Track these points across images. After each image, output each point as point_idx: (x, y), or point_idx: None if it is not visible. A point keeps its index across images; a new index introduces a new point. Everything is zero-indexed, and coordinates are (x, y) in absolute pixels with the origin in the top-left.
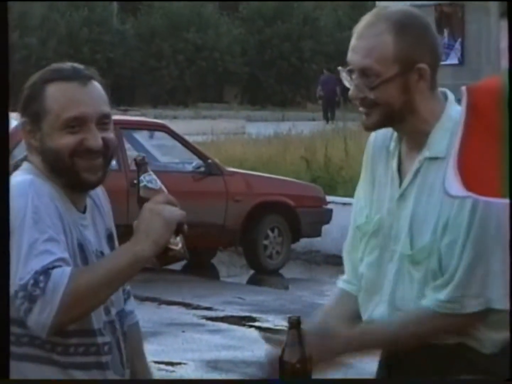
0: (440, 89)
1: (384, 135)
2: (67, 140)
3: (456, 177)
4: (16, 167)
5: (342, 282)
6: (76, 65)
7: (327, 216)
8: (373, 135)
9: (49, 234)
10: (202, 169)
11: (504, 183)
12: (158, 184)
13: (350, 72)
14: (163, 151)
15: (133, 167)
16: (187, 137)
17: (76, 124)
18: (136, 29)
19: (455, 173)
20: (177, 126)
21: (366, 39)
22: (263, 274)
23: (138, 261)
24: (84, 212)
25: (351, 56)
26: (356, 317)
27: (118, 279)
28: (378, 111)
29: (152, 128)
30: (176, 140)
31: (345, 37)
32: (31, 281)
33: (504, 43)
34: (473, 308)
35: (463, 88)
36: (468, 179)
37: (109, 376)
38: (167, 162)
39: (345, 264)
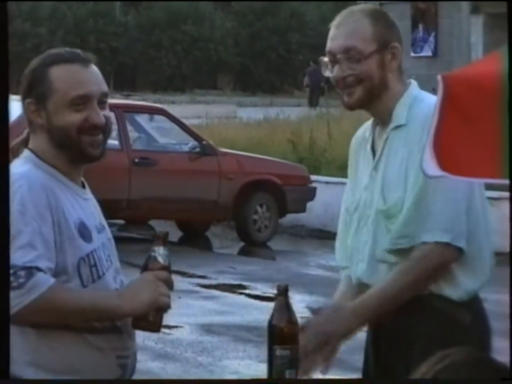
0: (409, 79)
1: (361, 132)
2: (73, 118)
3: (432, 159)
4: (12, 152)
5: (346, 270)
6: (72, 49)
7: (311, 194)
8: (354, 137)
9: (33, 227)
10: (197, 149)
11: (504, 167)
12: (167, 261)
13: (332, 59)
14: (161, 133)
15: (134, 147)
16: (183, 120)
17: (81, 102)
18: (138, 21)
19: (431, 155)
20: (174, 110)
21: (346, 26)
22: (253, 246)
23: (113, 313)
24: (83, 187)
25: (332, 44)
26: None
27: (89, 316)
28: (361, 87)
29: (152, 111)
30: (173, 123)
31: (328, 30)
32: (11, 271)
33: (474, 38)
34: (423, 239)
35: (439, 76)
36: (443, 160)
37: (125, 341)
38: (166, 143)
39: (339, 251)
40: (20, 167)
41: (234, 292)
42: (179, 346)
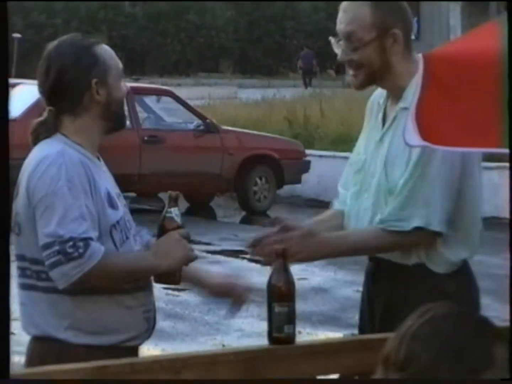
0: (419, 54)
1: (377, 96)
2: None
3: (414, 130)
4: (36, 134)
5: (337, 203)
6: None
7: (306, 167)
8: (371, 97)
9: (81, 201)
10: (202, 127)
11: (486, 137)
12: (181, 220)
13: (339, 40)
14: (168, 113)
15: (144, 126)
16: (188, 101)
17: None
18: (145, 12)
19: (413, 127)
20: (180, 92)
21: (349, 11)
22: (253, 215)
23: (152, 271)
24: (99, 160)
25: (338, 26)
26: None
27: (132, 276)
28: (363, 71)
29: (159, 93)
30: (179, 103)
31: (321, 18)
32: (70, 243)
33: (453, 22)
34: (415, 224)
35: (420, 55)
36: (424, 131)
37: (149, 297)
38: (172, 122)
39: (339, 190)
40: (54, 146)
41: (237, 257)
42: (187, 307)
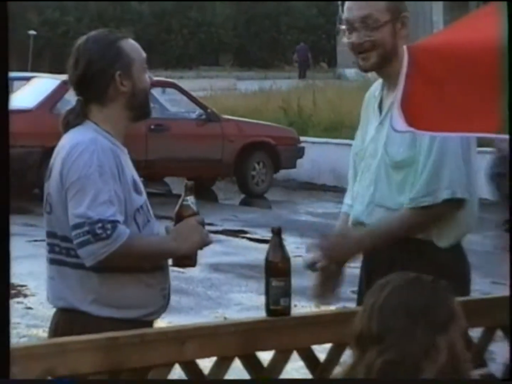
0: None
1: (373, 91)
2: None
3: (400, 117)
4: (67, 122)
5: (346, 207)
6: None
7: (300, 152)
8: (366, 96)
9: (110, 186)
10: (203, 117)
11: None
12: (197, 208)
13: (350, 27)
14: (173, 103)
15: (154, 115)
16: (191, 92)
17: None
18: (151, 9)
19: (399, 114)
20: (183, 84)
21: None
22: (252, 198)
23: (171, 254)
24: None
25: (349, 14)
26: None
27: (153, 257)
28: (375, 52)
29: (164, 85)
30: (183, 94)
31: (312, 14)
32: (99, 224)
33: (435, 17)
34: (444, 197)
35: (405, 46)
36: (409, 118)
37: (166, 276)
38: (176, 112)
39: (348, 189)
40: (86, 134)
41: (237, 237)
42: (191, 283)
